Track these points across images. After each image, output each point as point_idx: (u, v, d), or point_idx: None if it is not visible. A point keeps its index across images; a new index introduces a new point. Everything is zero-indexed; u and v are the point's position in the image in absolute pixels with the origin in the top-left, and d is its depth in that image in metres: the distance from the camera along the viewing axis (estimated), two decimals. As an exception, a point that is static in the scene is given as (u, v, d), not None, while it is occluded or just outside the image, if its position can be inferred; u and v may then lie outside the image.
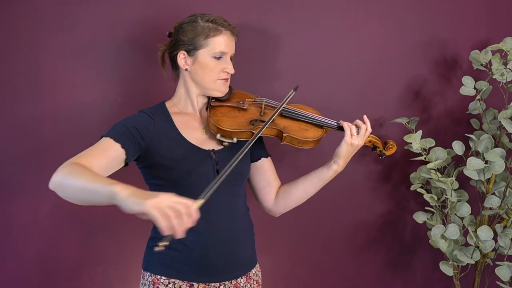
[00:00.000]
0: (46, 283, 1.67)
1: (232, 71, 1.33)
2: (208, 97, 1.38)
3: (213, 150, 1.31)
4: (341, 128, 1.41)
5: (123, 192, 0.93)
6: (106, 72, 1.64)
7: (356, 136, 1.38)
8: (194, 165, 1.26)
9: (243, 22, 1.71)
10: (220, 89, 1.33)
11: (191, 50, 1.31)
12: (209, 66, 1.30)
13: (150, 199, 0.89)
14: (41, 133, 1.61)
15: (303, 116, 1.42)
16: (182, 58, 1.32)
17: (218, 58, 1.30)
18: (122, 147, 1.18)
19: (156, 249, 0.94)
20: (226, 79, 1.33)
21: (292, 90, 1.44)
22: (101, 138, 1.21)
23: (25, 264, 1.64)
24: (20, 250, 1.64)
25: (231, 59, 1.35)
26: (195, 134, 1.32)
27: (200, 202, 0.99)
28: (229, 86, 1.40)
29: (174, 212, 0.90)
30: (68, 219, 1.66)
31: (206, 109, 1.37)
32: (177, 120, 1.32)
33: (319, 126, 1.43)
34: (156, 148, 1.25)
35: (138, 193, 0.93)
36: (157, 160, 1.25)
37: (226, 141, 1.30)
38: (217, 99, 1.37)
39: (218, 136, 1.29)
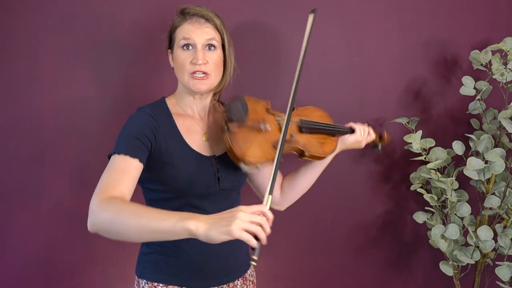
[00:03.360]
0: (46, 283, 1.67)
1: (198, 61, 1.18)
2: (224, 120, 1.18)
3: (214, 156, 1.26)
4: (350, 131, 1.43)
5: (200, 227, 0.91)
6: (106, 72, 1.64)
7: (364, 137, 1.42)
8: (196, 173, 1.20)
9: (242, 22, 1.71)
10: (192, 87, 1.21)
11: (171, 47, 1.27)
12: (179, 59, 1.22)
13: (232, 224, 0.88)
14: (41, 132, 1.61)
15: (320, 128, 1.35)
16: (170, 57, 1.30)
17: (186, 49, 1.21)
18: (140, 161, 1.12)
19: (255, 263, 0.91)
20: (196, 73, 1.20)
21: (311, 14, 1.31)
22: (113, 153, 1.12)
23: (25, 264, 1.64)
24: (20, 250, 1.64)
25: (210, 48, 1.22)
26: (196, 140, 1.25)
27: (269, 198, 0.99)
28: (242, 101, 1.21)
29: (257, 225, 0.90)
30: (68, 219, 1.66)
31: (223, 132, 1.17)
32: (179, 123, 1.25)
33: (333, 135, 1.40)
34: (160, 153, 1.19)
35: (213, 221, 0.91)
36: (159, 164, 1.19)
37: (249, 169, 1.17)
38: (234, 119, 1.18)
39: (241, 164, 1.15)
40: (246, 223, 0.90)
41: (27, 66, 1.58)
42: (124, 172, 1.08)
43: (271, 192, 1.00)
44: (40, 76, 1.59)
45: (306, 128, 1.32)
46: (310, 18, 1.33)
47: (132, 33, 1.64)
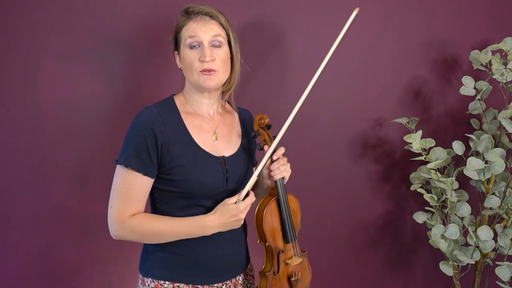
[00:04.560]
0: (46, 283, 1.67)
1: (206, 58, 1.19)
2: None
3: (223, 157, 1.26)
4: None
5: (215, 231, 1.21)
6: (105, 72, 1.64)
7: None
8: (207, 174, 1.21)
9: (242, 22, 1.71)
10: (202, 84, 1.21)
11: (177, 48, 1.27)
12: (187, 59, 1.21)
13: (239, 224, 1.22)
14: (41, 132, 1.61)
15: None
16: (176, 58, 1.29)
17: (193, 48, 1.21)
18: (147, 174, 1.17)
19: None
20: (206, 71, 1.20)
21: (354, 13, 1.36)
22: (122, 164, 1.16)
23: (24, 264, 1.64)
24: (20, 250, 1.64)
25: (217, 45, 1.22)
26: (206, 139, 1.25)
27: (255, 180, 1.23)
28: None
29: (245, 212, 1.22)
30: (68, 219, 1.66)
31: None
32: (189, 122, 1.24)
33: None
34: (168, 154, 1.19)
35: (224, 225, 1.21)
36: (169, 168, 1.19)
37: None
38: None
39: None
40: (242, 214, 1.21)
41: (27, 66, 1.58)
42: (137, 189, 1.18)
43: (259, 175, 1.25)
44: (40, 76, 1.59)
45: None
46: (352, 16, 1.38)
47: (132, 33, 1.64)
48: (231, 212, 1.19)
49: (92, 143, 1.65)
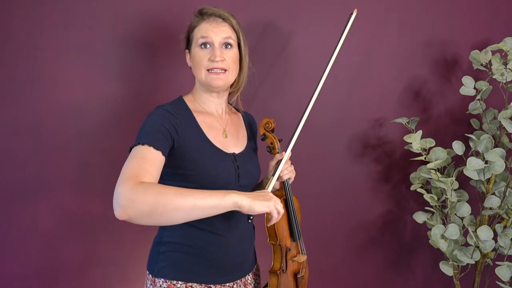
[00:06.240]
0: (46, 283, 1.67)
1: (216, 58, 1.23)
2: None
3: (233, 153, 1.29)
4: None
5: (244, 199, 1.08)
6: (106, 72, 1.64)
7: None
8: (219, 169, 1.23)
9: (243, 23, 1.71)
10: (210, 83, 1.25)
11: (188, 47, 1.31)
12: (197, 57, 1.25)
13: (270, 200, 1.12)
14: (41, 132, 1.61)
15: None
16: (187, 57, 1.33)
17: (204, 47, 1.25)
18: (163, 154, 1.13)
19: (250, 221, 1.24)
20: (214, 70, 1.24)
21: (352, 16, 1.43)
22: (136, 144, 1.12)
23: (25, 265, 1.64)
24: (20, 251, 1.64)
25: (227, 46, 1.26)
26: (217, 136, 1.28)
27: (273, 180, 1.26)
28: None
29: (280, 212, 1.15)
30: (68, 220, 1.66)
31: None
32: (200, 120, 1.27)
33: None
34: (183, 149, 1.20)
35: (254, 196, 1.10)
36: (182, 161, 1.20)
37: None
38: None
39: None
40: (278, 205, 1.14)
41: (27, 66, 1.58)
42: (151, 162, 1.09)
43: (273, 174, 1.26)
44: (40, 76, 1.59)
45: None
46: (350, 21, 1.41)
47: (132, 33, 1.64)
48: (259, 193, 1.14)
49: (92, 144, 1.65)
